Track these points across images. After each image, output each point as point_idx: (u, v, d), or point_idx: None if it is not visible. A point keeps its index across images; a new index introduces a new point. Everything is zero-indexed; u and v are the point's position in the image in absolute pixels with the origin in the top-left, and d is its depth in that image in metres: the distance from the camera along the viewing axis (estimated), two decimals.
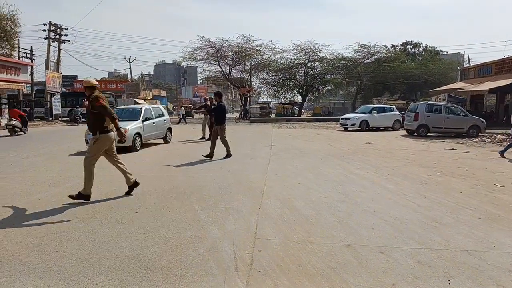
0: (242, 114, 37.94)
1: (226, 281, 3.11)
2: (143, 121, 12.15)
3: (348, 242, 3.98)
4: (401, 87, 47.01)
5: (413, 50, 55.26)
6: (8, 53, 30.05)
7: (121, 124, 8.40)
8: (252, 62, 41.14)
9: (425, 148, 12.92)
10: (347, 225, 4.51)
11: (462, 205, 5.47)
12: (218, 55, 38.90)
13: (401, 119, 21.52)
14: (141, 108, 12.82)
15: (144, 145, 12.48)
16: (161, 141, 14.06)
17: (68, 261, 3.46)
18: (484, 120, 18.01)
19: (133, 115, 12.41)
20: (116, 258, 3.53)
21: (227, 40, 38.29)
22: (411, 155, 10.84)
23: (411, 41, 54.95)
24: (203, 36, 38.36)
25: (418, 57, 52.67)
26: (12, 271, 3.26)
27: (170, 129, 14.43)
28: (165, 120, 14.08)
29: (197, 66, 51.79)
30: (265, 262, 3.48)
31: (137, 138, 11.60)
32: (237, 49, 38.61)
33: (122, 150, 9.88)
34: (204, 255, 3.63)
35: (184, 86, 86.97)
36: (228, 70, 41.58)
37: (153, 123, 12.98)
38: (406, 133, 18.70)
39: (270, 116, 40.50)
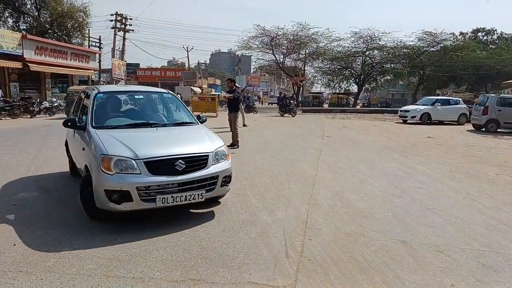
0: (289, 105, 24.15)
1: (277, 266, 3.17)
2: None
3: (404, 238, 3.83)
4: (469, 78, 43.28)
5: (485, 37, 50.49)
6: (80, 42, 32.64)
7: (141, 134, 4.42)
8: (307, 51, 40.38)
9: (494, 145, 11.87)
10: (403, 221, 4.33)
11: None
12: (273, 43, 38.64)
13: (467, 113, 19.90)
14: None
15: None
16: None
17: (132, 238, 3.74)
18: None
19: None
20: (174, 236, 3.74)
21: (282, 29, 37.86)
22: (478, 152, 10.03)
23: (483, 28, 50.24)
24: (259, 25, 38.29)
25: (491, 46, 48.05)
26: (84, 240, 3.61)
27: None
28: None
29: (251, 55, 52.13)
30: (316, 251, 3.48)
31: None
32: (292, 38, 38.05)
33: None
34: (255, 239, 3.72)
35: (238, 75, 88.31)
36: (282, 59, 41.23)
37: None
38: (473, 128, 17.29)
39: (323, 106, 39.66)
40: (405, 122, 20.51)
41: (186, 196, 3.88)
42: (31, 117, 17.83)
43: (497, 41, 49.15)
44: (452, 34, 40.90)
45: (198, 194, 3.97)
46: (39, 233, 3.74)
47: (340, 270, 3.12)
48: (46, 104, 19.61)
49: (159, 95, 5.74)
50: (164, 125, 4.95)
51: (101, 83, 32.49)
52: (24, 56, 20.66)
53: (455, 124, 19.81)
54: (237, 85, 12.99)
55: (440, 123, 20.04)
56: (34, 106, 18.37)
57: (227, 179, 4.35)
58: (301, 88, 43.30)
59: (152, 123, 4.93)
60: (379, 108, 36.13)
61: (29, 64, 20.65)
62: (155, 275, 2.94)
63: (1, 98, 17.95)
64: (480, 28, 50.19)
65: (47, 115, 19.11)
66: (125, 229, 3.87)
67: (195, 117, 5.38)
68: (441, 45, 38.99)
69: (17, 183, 5.64)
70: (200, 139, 4.51)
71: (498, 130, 16.14)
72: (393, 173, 6.99)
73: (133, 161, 3.73)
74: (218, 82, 62.98)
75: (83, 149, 4.39)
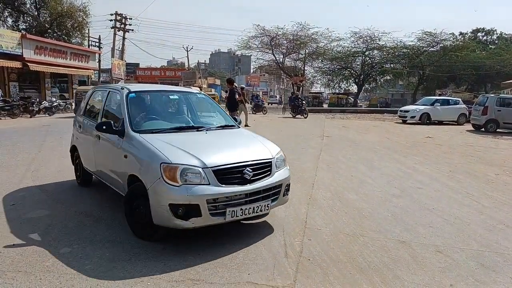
0: (301, 106, 22.17)
1: (276, 266, 3.17)
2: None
3: (403, 238, 3.83)
4: (468, 78, 43.29)
5: (485, 38, 50.54)
6: (79, 42, 32.60)
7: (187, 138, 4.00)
8: (306, 51, 40.41)
9: (493, 145, 11.88)
10: (403, 221, 4.33)
11: None
12: (272, 43, 38.70)
13: (467, 113, 19.92)
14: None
15: None
16: None
17: (131, 238, 3.74)
18: None
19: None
20: (173, 236, 3.73)
21: (282, 28, 37.93)
22: (477, 152, 10.04)
23: (483, 28, 50.28)
24: (259, 25, 38.38)
25: (490, 46, 48.08)
26: (82, 239, 3.61)
27: None
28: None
29: (251, 55, 52.18)
30: (315, 251, 3.48)
31: None
32: (291, 37, 38.11)
33: None
34: (255, 239, 3.71)
35: (237, 75, 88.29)
36: (281, 59, 41.28)
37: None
38: (472, 128, 17.30)
39: (322, 106, 39.64)
40: (404, 122, 20.53)
41: (254, 208, 3.51)
42: (30, 117, 17.82)
43: (496, 41, 49.24)
44: (451, 34, 41.00)
45: (264, 205, 3.61)
46: (38, 233, 3.74)
47: (339, 271, 3.12)
48: (45, 103, 19.61)
49: (193, 95, 5.28)
50: (209, 129, 4.45)
51: (100, 83, 32.47)
52: (24, 56, 20.62)
53: (455, 124, 19.83)
54: (235, 85, 12.98)
55: (440, 123, 20.07)
56: (34, 105, 18.36)
57: (288, 188, 4.04)
58: (301, 88, 43.24)
59: (197, 126, 4.46)
60: (379, 108, 36.11)
61: (28, 64, 20.62)
62: (154, 275, 2.94)
63: (1, 98, 17.93)
64: (480, 28, 50.35)
65: (47, 115, 19.10)
66: (124, 229, 3.87)
67: (233, 119, 5.01)
68: (440, 45, 39.06)
69: (16, 183, 5.64)
70: (256, 144, 4.12)
71: (498, 130, 16.16)
72: (392, 173, 6.99)
73: (200, 170, 3.32)
74: (217, 82, 62.95)
75: (125, 156, 3.81)
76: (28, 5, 30.61)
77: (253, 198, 3.53)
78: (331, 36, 38.68)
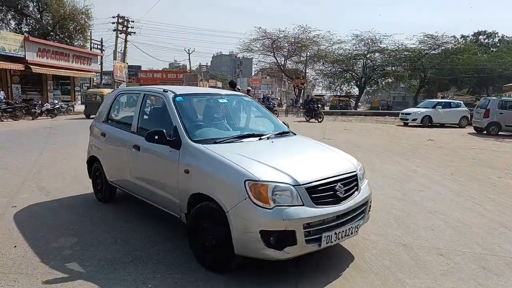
0: (316, 110, 21.79)
1: (277, 268, 3.16)
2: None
3: (405, 241, 3.82)
4: (470, 81, 43.23)
5: (486, 40, 50.50)
6: (81, 44, 32.75)
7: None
8: (308, 53, 40.46)
9: (495, 148, 11.85)
10: (404, 224, 4.33)
11: None
12: (274, 46, 38.78)
13: (468, 116, 19.90)
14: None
15: None
16: None
17: (133, 240, 3.75)
18: None
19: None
20: (175, 239, 3.74)
21: (283, 31, 38.01)
22: (479, 155, 10.02)
23: (485, 31, 50.25)
24: (260, 27, 38.63)
25: (492, 49, 48.03)
26: (84, 241, 3.62)
27: None
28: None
29: (252, 58, 52.17)
30: (316, 254, 3.46)
31: None
32: (293, 40, 38.18)
33: None
34: None
35: (239, 78, 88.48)
36: (283, 62, 41.37)
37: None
38: (474, 131, 17.28)
39: (324, 109, 39.63)
40: (406, 124, 20.52)
41: (346, 230, 3.00)
42: (32, 119, 17.89)
43: (498, 44, 49.16)
44: (453, 37, 40.99)
45: (355, 227, 3.11)
46: (40, 235, 3.75)
47: (341, 273, 3.11)
48: (47, 106, 19.69)
49: (239, 98, 4.72)
50: (269, 137, 3.85)
51: (102, 85, 32.60)
52: (26, 58, 20.76)
53: (457, 127, 19.83)
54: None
55: (441, 126, 20.04)
56: (36, 108, 18.45)
57: (371, 204, 3.55)
58: (302, 91, 43.31)
59: (258, 134, 3.84)
60: (380, 111, 36.10)
61: (31, 66, 20.75)
62: (156, 277, 2.94)
63: (3, 100, 18.02)
64: (482, 31, 50.29)
65: (49, 117, 19.17)
66: (125, 231, 3.88)
67: (284, 124, 4.45)
68: (442, 48, 39.06)
69: (18, 185, 5.66)
70: (333, 154, 3.68)
71: (500, 133, 16.12)
72: (394, 175, 6.98)
73: (292, 188, 2.79)
74: (219, 84, 63.09)
75: (186, 171, 3.21)
76: (31, 8, 30.83)
77: (345, 219, 3.03)
78: (332, 39, 38.75)
